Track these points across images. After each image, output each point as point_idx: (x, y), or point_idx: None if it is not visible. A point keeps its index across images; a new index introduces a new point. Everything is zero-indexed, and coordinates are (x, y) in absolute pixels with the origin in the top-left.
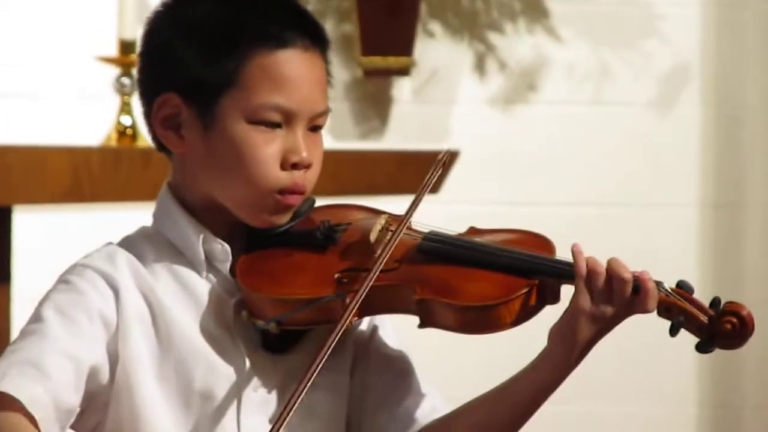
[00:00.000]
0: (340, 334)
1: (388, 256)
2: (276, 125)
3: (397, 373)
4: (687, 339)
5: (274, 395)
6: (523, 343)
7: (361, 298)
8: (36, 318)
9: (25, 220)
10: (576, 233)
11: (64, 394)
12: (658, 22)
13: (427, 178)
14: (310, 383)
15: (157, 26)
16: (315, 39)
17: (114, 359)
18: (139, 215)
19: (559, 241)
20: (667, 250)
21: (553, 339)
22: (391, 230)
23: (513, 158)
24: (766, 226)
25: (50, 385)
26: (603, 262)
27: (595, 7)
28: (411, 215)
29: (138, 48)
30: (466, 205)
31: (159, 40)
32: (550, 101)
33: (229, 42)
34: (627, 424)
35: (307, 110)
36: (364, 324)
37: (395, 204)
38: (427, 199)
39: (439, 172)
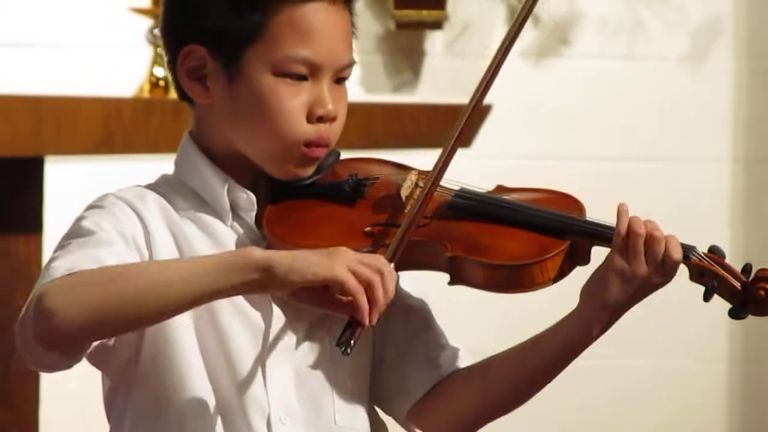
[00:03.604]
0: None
1: (422, 209)
2: (302, 77)
3: (418, 322)
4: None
5: (297, 343)
6: (550, 306)
7: (397, 250)
8: (78, 232)
9: (57, 171)
10: (607, 188)
11: None
12: None
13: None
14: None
15: None
16: None
17: None
18: (169, 166)
19: (590, 196)
20: (698, 205)
21: (583, 297)
22: (420, 187)
23: (545, 112)
24: None
25: None
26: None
27: None
28: (445, 167)
29: None
30: (497, 159)
31: None
32: (582, 55)
33: None
34: (656, 377)
35: (333, 63)
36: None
37: (426, 157)
38: (458, 153)
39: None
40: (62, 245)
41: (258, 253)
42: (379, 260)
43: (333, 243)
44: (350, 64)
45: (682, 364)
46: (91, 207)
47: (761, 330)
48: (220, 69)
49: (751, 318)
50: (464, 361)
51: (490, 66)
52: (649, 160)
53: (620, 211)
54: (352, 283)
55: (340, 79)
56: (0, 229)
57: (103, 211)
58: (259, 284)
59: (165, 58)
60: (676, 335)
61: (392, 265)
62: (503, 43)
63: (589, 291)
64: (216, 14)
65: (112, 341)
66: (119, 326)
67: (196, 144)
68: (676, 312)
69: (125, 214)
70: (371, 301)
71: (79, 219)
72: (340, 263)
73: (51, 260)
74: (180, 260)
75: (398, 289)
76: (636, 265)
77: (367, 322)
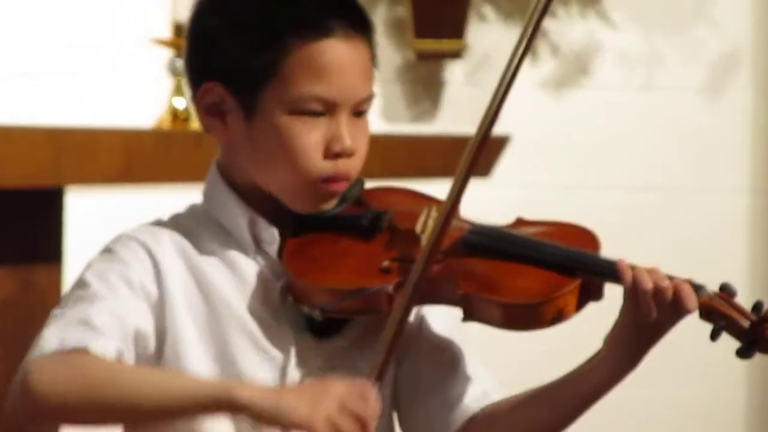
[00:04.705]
0: (401, 323)
1: (433, 248)
2: (318, 114)
3: (446, 360)
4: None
5: (313, 378)
6: (562, 337)
7: (410, 291)
8: (79, 284)
9: (77, 202)
10: (626, 218)
11: (122, 349)
12: (709, 8)
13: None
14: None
15: (202, 11)
16: (357, 24)
17: (161, 333)
18: (190, 197)
19: (610, 224)
20: (717, 235)
21: (608, 345)
22: (434, 219)
23: (564, 143)
24: None
25: (103, 341)
26: (646, 269)
27: None
28: (452, 205)
29: (186, 31)
30: (516, 188)
31: (203, 26)
32: (601, 86)
33: (271, 33)
34: (675, 408)
35: (350, 98)
36: (411, 315)
37: (446, 187)
38: (478, 183)
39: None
40: (65, 298)
41: (243, 395)
42: (361, 407)
43: (349, 280)
44: (368, 97)
45: (700, 393)
46: (102, 251)
47: None
48: (238, 107)
49: None
50: (493, 395)
51: (491, 103)
52: (667, 190)
53: (621, 269)
54: None
55: (359, 112)
56: (21, 259)
57: (110, 257)
58: (237, 416)
59: (189, 92)
60: (694, 364)
61: (377, 389)
62: (505, 73)
63: (612, 342)
64: (232, 53)
65: None
66: (97, 422)
67: (222, 174)
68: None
69: (136, 256)
70: None
71: (87, 266)
72: (320, 414)
73: (48, 321)
74: (167, 376)
75: (425, 329)
76: (649, 315)
77: None
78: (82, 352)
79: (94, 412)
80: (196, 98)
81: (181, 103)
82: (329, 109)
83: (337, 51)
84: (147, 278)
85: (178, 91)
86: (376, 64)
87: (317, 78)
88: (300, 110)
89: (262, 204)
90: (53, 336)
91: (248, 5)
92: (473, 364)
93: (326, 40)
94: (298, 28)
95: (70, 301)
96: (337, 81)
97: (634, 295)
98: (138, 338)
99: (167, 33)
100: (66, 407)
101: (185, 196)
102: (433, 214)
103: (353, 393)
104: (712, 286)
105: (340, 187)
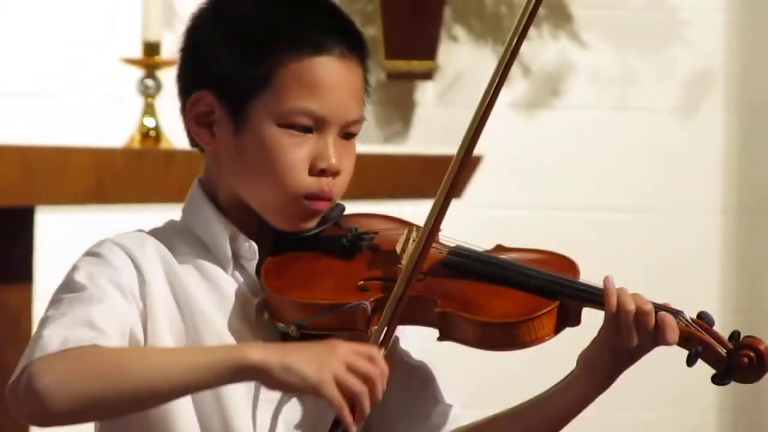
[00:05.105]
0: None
1: (416, 266)
2: (307, 130)
3: (418, 383)
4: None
5: (287, 396)
6: (536, 357)
7: (392, 307)
8: (72, 287)
9: (47, 221)
10: (600, 239)
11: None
12: (682, 28)
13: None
14: None
15: (198, 23)
16: (353, 46)
17: (145, 342)
18: (161, 216)
19: (582, 247)
20: (689, 255)
21: (581, 366)
22: (414, 240)
23: (536, 163)
24: None
25: (107, 341)
26: (630, 295)
27: (619, 13)
28: (433, 224)
29: (180, 44)
30: (488, 209)
31: (198, 36)
32: (573, 106)
33: (265, 45)
34: (644, 430)
35: (340, 117)
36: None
37: (418, 207)
38: (450, 203)
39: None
40: (55, 300)
41: (254, 356)
42: (369, 367)
43: (326, 296)
44: (359, 119)
45: (668, 415)
46: (87, 254)
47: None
48: (227, 117)
49: None
50: (461, 419)
51: (474, 119)
52: (641, 210)
53: (607, 288)
54: (337, 400)
55: (348, 134)
56: None
57: (99, 261)
58: (250, 381)
59: (179, 104)
60: (664, 386)
61: (382, 352)
62: (487, 93)
63: (588, 362)
64: (225, 63)
65: None
66: (110, 413)
67: (204, 190)
68: (663, 361)
69: (122, 262)
70: (355, 411)
71: (74, 269)
72: (328, 373)
73: (44, 322)
74: (175, 351)
75: (398, 352)
76: (629, 339)
77: (351, 431)
78: (86, 348)
79: (109, 403)
80: (186, 108)
81: (152, 122)
82: (318, 125)
83: (331, 69)
84: (134, 287)
85: (148, 110)
86: (368, 90)
87: (309, 93)
88: (289, 123)
89: (244, 220)
90: (55, 335)
91: (246, 16)
92: (444, 387)
93: (321, 57)
94: (294, 42)
95: (64, 303)
96: (329, 98)
97: (616, 318)
98: (132, 342)
99: (137, 52)
100: (79, 404)
101: (156, 215)
102: (414, 235)
103: (360, 353)
104: (688, 306)
105: (322, 206)
